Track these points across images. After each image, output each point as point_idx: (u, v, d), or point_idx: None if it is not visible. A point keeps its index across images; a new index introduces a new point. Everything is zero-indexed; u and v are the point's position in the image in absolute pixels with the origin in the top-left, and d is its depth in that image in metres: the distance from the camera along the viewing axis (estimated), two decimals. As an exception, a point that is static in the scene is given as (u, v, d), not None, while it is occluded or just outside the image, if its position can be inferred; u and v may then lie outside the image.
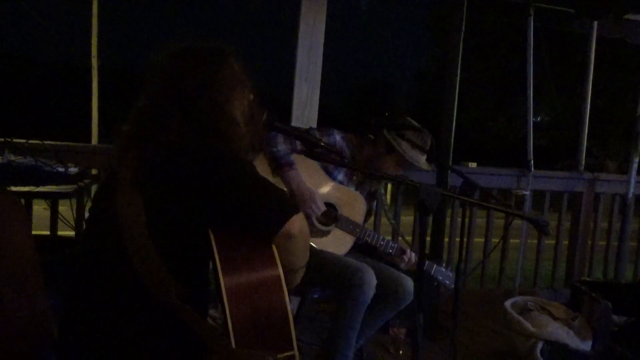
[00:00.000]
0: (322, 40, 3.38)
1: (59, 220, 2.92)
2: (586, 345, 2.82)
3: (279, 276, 1.27)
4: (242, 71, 1.45)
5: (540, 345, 2.79)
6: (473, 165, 3.96)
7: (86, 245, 1.39)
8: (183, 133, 1.33)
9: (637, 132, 3.98)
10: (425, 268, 2.50)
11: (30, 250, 1.32)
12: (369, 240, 2.46)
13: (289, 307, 1.25)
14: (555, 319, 2.90)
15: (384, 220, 3.55)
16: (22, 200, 2.53)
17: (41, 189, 2.36)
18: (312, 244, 2.39)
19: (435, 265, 2.54)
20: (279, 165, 2.35)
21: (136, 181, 1.28)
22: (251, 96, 1.49)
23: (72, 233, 3.06)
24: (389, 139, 2.44)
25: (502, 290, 3.94)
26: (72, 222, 2.94)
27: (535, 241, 4.11)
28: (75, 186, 2.49)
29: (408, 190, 2.08)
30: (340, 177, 2.52)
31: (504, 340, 3.10)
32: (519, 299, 3.16)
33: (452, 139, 3.47)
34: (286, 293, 1.26)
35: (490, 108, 20.42)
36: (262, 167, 2.37)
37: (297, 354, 1.25)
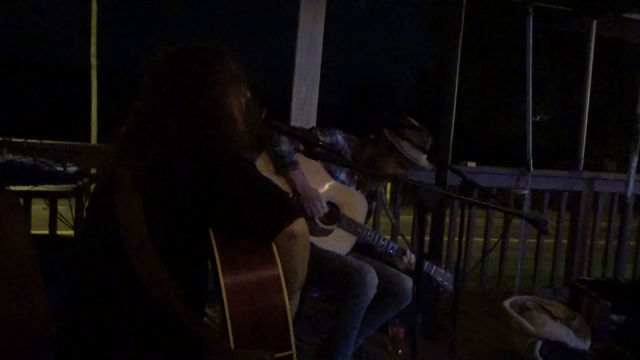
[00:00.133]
0: (321, 40, 3.38)
1: (58, 219, 2.92)
2: (585, 345, 2.82)
3: (278, 276, 1.26)
4: (238, 68, 1.46)
5: (539, 344, 2.79)
6: (472, 164, 3.96)
7: (85, 245, 1.39)
8: (181, 133, 1.33)
9: (636, 131, 3.98)
10: (424, 269, 2.50)
11: (29, 250, 1.31)
12: (370, 240, 2.46)
13: (288, 307, 1.25)
14: (554, 318, 2.90)
15: (383, 219, 3.55)
16: (21, 200, 2.54)
17: (40, 188, 2.36)
18: (314, 242, 2.39)
19: (434, 267, 2.54)
20: (283, 165, 2.35)
21: (135, 181, 1.28)
22: (248, 93, 1.49)
23: (71, 232, 3.06)
24: (389, 139, 2.45)
25: (502, 290, 3.94)
26: (71, 222, 2.94)
27: (535, 240, 4.11)
28: (74, 185, 2.49)
29: (407, 189, 2.08)
30: (342, 176, 2.53)
31: (503, 339, 3.11)
32: (518, 298, 3.16)
33: (452, 139, 3.47)
34: (286, 293, 1.26)
35: (489, 107, 20.41)
36: (266, 167, 2.38)
37: (295, 353, 1.25)
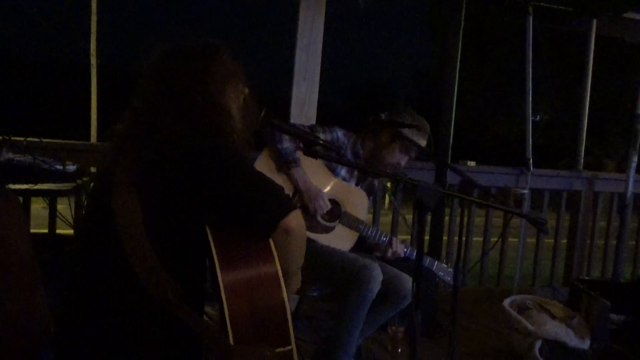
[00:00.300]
0: (321, 39, 3.37)
1: (57, 218, 2.92)
2: (584, 344, 2.82)
3: (276, 272, 1.27)
4: (235, 65, 1.46)
5: (538, 343, 2.79)
6: (472, 163, 3.96)
7: (83, 244, 1.39)
8: (178, 130, 1.33)
9: (636, 130, 3.98)
10: (426, 265, 2.51)
11: (28, 249, 1.31)
12: (371, 237, 2.47)
13: (286, 303, 1.26)
14: (553, 317, 2.91)
15: (383, 219, 3.56)
16: (21, 199, 2.53)
17: (39, 187, 2.35)
18: (316, 239, 2.41)
19: (436, 262, 2.55)
20: (285, 163, 2.36)
21: (132, 180, 1.28)
22: (246, 90, 1.49)
23: (70, 231, 3.06)
24: (387, 124, 2.47)
25: (501, 289, 3.95)
26: (71, 220, 2.94)
27: (534, 240, 4.11)
28: (73, 184, 2.49)
29: (407, 187, 2.08)
30: (343, 172, 2.54)
31: (502, 338, 3.11)
32: (517, 297, 3.16)
33: (451, 138, 3.47)
34: (284, 289, 1.26)
35: (489, 107, 20.41)
36: (267, 164, 2.38)
37: (294, 348, 1.25)
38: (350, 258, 2.32)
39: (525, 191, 3.92)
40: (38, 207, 3.34)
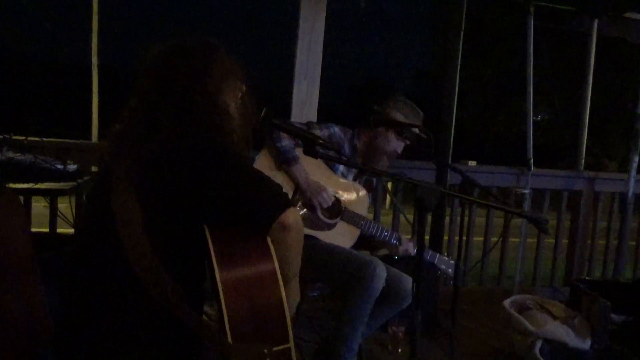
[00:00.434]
0: (321, 38, 3.37)
1: (58, 217, 2.92)
2: (585, 344, 2.82)
3: (274, 270, 1.27)
4: (233, 64, 1.46)
5: (539, 344, 2.79)
6: (473, 163, 3.95)
7: (82, 244, 1.39)
8: (176, 129, 1.33)
9: (637, 130, 3.98)
10: (428, 258, 2.52)
11: (28, 248, 1.31)
12: (372, 232, 2.48)
13: (284, 300, 1.26)
14: (554, 317, 2.90)
15: (384, 219, 3.56)
16: (22, 198, 2.53)
17: (40, 186, 2.35)
18: (318, 237, 2.42)
19: (437, 255, 2.55)
20: (285, 160, 2.36)
21: (131, 179, 1.28)
22: (244, 88, 1.49)
23: (71, 230, 3.06)
24: (380, 113, 2.51)
25: (502, 289, 3.94)
26: (72, 220, 2.94)
27: (535, 240, 4.11)
28: (74, 183, 2.49)
29: (408, 187, 2.08)
30: (342, 167, 2.55)
31: (503, 338, 3.10)
32: (518, 297, 3.16)
33: (452, 137, 3.47)
34: (282, 286, 1.26)
35: (490, 106, 20.41)
36: (267, 163, 2.39)
37: (292, 346, 1.26)
38: (353, 255, 2.33)
39: (526, 191, 3.92)
40: (39, 206, 3.34)
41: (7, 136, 2.49)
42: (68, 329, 1.34)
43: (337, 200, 2.48)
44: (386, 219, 3.68)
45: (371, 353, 2.91)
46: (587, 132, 4.41)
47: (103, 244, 1.32)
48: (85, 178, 2.66)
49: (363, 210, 2.52)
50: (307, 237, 2.37)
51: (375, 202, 3.52)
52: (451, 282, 2.65)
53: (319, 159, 2.45)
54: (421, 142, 2.53)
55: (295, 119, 3.34)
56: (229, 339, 1.19)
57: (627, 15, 4.06)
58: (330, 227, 2.46)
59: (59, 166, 2.44)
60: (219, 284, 1.22)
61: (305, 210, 2.43)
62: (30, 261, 1.34)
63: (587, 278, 3.72)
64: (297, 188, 2.40)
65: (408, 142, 2.54)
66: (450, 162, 3.45)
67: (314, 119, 3.35)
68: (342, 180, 2.53)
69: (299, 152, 2.38)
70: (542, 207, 4.09)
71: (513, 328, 2.93)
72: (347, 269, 2.26)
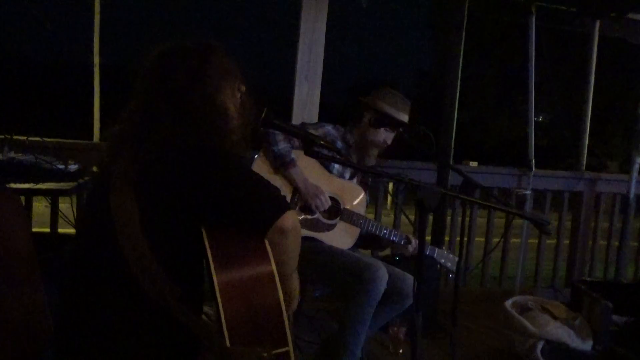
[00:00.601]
0: (323, 39, 3.37)
1: (59, 217, 2.92)
2: (587, 345, 2.82)
3: (272, 272, 1.27)
4: (232, 64, 1.45)
5: (540, 345, 2.78)
6: (474, 164, 3.95)
7: (81, 244, 1.39)
8: (175, 130, 1.33)
9: (638, 131, 3.97)
10: (427, 253, 2.52)
11: (28, 247, 1.31)
12: (372, 231, 2.47)
13: (282, 303, 1.25)
14: (555, 318, 2.90)
15: (385, 219, 3.55)
16: (23, 198, 2.53)
17: (41, 186, 2.35)
18: (319, 239, 2.42)
19: (436, 249, 2.55)
20: (282, 164, 2.36)
21: (129, 180, 1.28)
22: (243, 88, 1.49)
23: (72, 230, 3.06)
24: (367, 105, 2.52)
25: (503, 290, 3.94)
26: (73, 220, 2.94)
27: (536, 241, 4.10)
28: (75, 183, 2.49)
29: (408, 188, 2.08)
30: (337, 166, 2.55)
31: (504, 339, 3.10)
32: (519, 298, 3.16)
33: (453, 138, 3.46)
34: (280, 289, 1.26)
35: (491, 107, 20.39)
36: (264, 167, 2.39)
37: (291, 349, 1.25)
38: (354, 258, 2.33)
39: (528, 192, 3.91)
40: (40, 206, 3.34)
41: (8, 136, 2.49)
42: (67, 328, 1.34)
43: (335, 201, 2.48)
44: (387, 219, 3.68)
45: (372, 354, 2.91)
46: (589, 132, 4.40)
47: (102, 244, 1.32)
48: (87, 178, 2.66)
49: (361, 209, 2.52)
50: (308, 239, 2.37)
51: (377, 202, 3.52)
52: (450, 276, 2.64)
53: (314, 161, 2.46)
54: (411, 134, 2.54)
55: (296, 119, 3.34)
56: (227, 342, 1.18)
57: (629, 16, 4.05)
58: (330, 227, 2.45)
59: (60, 166, 2.44)
60: (217, 287, 1.21)
61: (304, 212, 2.43)
62: (30, 261, 1.34)
63: (588, 279, 3.72)
64: (296, 191, 2.39)
65: (397, 132, 2.55)
66: (451, 162, 3.45)
67: (315, 119, 3.35)
68: (339, 179, 2.53)
69: (294, 154, 2.38)
70: (543, 208, 4.08)
71: (514, 329, 2.92)
72: (348, 271, 2.25)
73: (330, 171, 2.53)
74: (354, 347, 2.27)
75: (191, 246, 1.31)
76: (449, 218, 3.74)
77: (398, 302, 2.36)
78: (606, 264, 4.29)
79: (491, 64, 19.05)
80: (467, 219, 3.71)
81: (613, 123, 17.48)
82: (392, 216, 3.74)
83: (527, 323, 2.86)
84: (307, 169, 2.43)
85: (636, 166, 3.98)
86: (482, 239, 3.89)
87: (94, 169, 2.93)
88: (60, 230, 3.00)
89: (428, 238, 3.45)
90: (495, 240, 3.70)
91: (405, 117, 2.53)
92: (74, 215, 2.98)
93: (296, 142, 2.40)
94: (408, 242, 2.48)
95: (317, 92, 3.39)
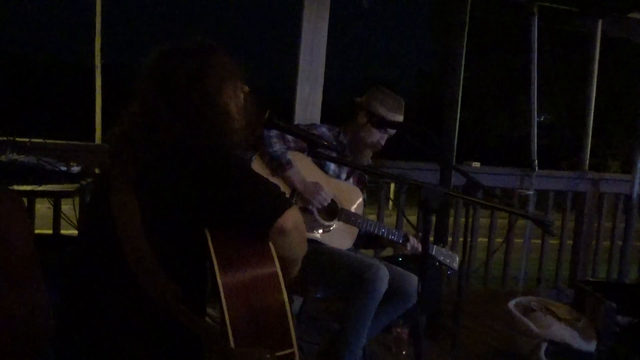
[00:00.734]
0: (324, 40, 3.37)
1: (61, 219, 2.93)
2: (590, 346, 2.81)
3: (276, 273, 1.26)
4: (232, 64, 1.45)
5: (544, 345, 2.78)
6: (476, 164, 3.94)
7: (83, 246, 1.39)
8: (176, 131, 1.33)
9: (641, 131, 3.96)
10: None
11: (30, 249, 1.31)
12: (371, 230, 2.47)
13: (287, 304, 1.25)
14: (559, 319, 2.89)
15: (387, 220, 3.55)
16: (25, 200, 2.54)
17: (44, 188, 2.36)
18: (319, 240, 2.41)
19: (435, 246, 2.53)
20: (279, 165, 2.35)
21: (130, 182, 1.28)
22: (245, 89, 1.49)
23: (74, 232, 3.06)
24: (360, 105, 2.51)
25: (506, 290, 3.93)
26: (75, 221, 2.94)
27: (539, 241, 4.09)
28: (77, 185, 2.49)
29: (411, 188, 2.07)
30: (333, 166, 2.55)
31: (507, 340, 3.09)
32: (522, 299, 3.15)
33: (456, 138, 3.45)
34: (284, 290, 1.25)
35: (493, 107, 20.36)
36: (261, 169, 2.38)
37: (296, 351, 1.25)
38: (356, 258, 2.32)
39: (531, 192, 3.91)
40: (43, 208, 3.34)
41: (11, 138, 2.49)
42: (69, 329, 1.34)
43: (333, 201, 2.48)
44: (389, 220, 3.67)
45: (375, 354, 2.90)
46: (592, 132, 4.39)
47: (103, 245, 1.32)
48: (89, 180, 2.67)
49: (359, 208, 2.52)
50: (308, 241, 2.36)
51: (379, 205, 3.51)
52: (449, 273, 2.63)
53: (310, 161, 2.46)
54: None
55: (298, 120, 3.33)
56: (231, 343, 1.18)
57: (631, 15, 4.05)
58: (328, 228, 2.45)
59: (63, 168, 2.45)
60: (221, 288, 1.21)
61: (303, 214, 2.42)
62: (32, 262, 1.34)
63: (591, 279, 3.71)
64: (294, 191, 2.38)
65: (391, 133, 2.54)
66: (454, 163, 3.44)
67: (317, 120, 3.35)
68: (335, 180, 2.52)
69: (290, 155, 2.38)
70: (546, 208, 4.08)
71: (517, 330, 2.92)
72: (349, 272, 2.25)
73: (326, 172, 2.52)
74: (355, 347, 2.27)
75: (192, 247, 1.30)
76: (451, 219, 3.74)
77: (400, 302, 2.36)
78: (609, 265, 4.28)
79: (493, 64, 19.02)
80: (470, 219, 3.70)
81: (614, 122, 17.45)
82: (394, 217, 3.74)
83: (530, 324, 2.85)
84: (304, 170, 2.41)
85: (639, 166, 3.97)
86: (485, 240, 3.89)
87: (96, 170, 2.94)
88: (62, 231, 3.00)
89: (431, 239, 3.44)
90: (499, 240, 3.69)
91: (399, 117, 2.51)
92: (76, 216, 2.98)
93: (291, 144, 2.39)
94: (406, 240, 2.47)
95: (319, 92, 3.39)
